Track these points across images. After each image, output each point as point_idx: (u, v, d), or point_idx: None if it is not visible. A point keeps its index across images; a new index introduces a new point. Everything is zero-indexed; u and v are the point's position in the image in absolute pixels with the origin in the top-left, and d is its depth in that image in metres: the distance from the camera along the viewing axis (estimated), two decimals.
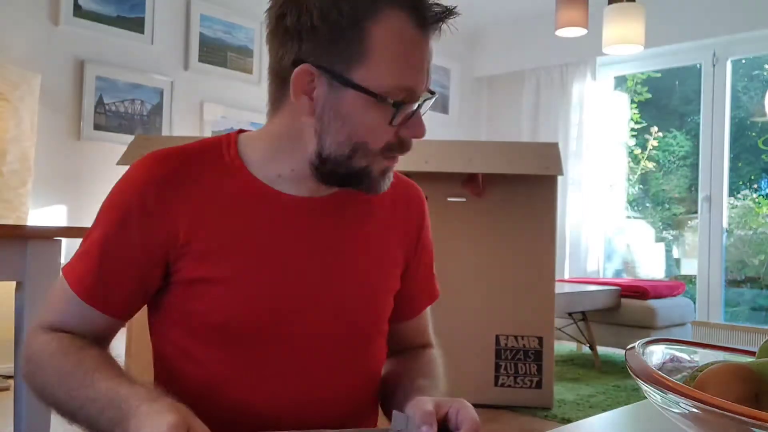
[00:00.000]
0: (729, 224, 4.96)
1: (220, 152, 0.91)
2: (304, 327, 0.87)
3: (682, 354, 0.74)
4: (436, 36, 0.86)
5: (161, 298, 0.89)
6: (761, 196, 5.09)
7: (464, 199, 3.10)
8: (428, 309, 1.07)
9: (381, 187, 0.88)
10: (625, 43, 3.81)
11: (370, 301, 0.93)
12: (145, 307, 0.93)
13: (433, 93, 0.87)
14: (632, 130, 5.69)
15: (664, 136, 5.65)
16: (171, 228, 0.85)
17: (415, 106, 0.85)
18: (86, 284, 0.85)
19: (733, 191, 5.00)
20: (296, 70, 0.82)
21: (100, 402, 0.74)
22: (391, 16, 0.81)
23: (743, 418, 0.49)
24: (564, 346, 4.74)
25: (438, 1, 0.85)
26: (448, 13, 0.84)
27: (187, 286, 0.86)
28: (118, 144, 3.88)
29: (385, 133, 0.84)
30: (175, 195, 0.86)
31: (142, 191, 0.85)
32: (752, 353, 0.74)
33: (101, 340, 0.87)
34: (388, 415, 0.88)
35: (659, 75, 5.65)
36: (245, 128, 0.97)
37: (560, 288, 3.79)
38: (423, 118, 0.87)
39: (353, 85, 0.80)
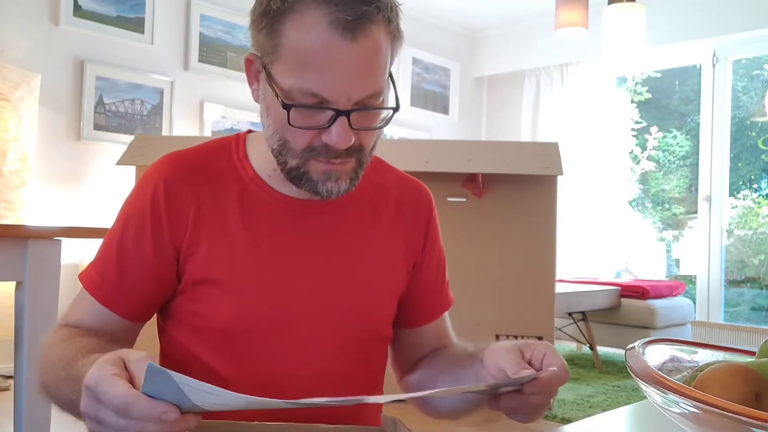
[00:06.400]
0: (729, 224, 4.95)
1: (229, 152, 0.91)
2: (304, 330, 0.87)
3: (682, 354, 0.74)
4: (371, 39, 0.74)
5: (170, 301, 0.90)
6: (761, 196, 5.09)
7: (464, 199, 3.10)
8: (447, 317, 1.03)
9: (330, 190, 0.82)
10: (625, 43, 3.81)
11: (372, 304, 0.92)
12: None
13: (373, 107, 0.78)
14: (632, 130, 5.68)
15: (664, 136, 5.65)
16: (180, 228, 0.86)
17: (330, 114, 0.76)
18: (105, 288, 0.86)
19: (733, 191, 4.99)
20: (246, 56, 0.84)
21: (69, 383, 0.72)
22: (305, 12, 0.74)
23: (743, 418, 0.49)
24: (564, 346, 4.74)
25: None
26: (374, 12, 0.74)
27: (192, 287, 0.86)
28: (118, 144, 3.87)
29: (300, 133, 0.79)
30: (183, 194, 0.86)
31: (153, 194, 0.86)
32: (752, 353, 0.74)
33: (121, 342, 0.86)
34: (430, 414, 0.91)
35: (659, 75, 5.65)
36: (245, 128, 0.97)
37: (560, 288, 3.79)
38: (354, 127, 0.77)
39: (271, 78, 0.79)
